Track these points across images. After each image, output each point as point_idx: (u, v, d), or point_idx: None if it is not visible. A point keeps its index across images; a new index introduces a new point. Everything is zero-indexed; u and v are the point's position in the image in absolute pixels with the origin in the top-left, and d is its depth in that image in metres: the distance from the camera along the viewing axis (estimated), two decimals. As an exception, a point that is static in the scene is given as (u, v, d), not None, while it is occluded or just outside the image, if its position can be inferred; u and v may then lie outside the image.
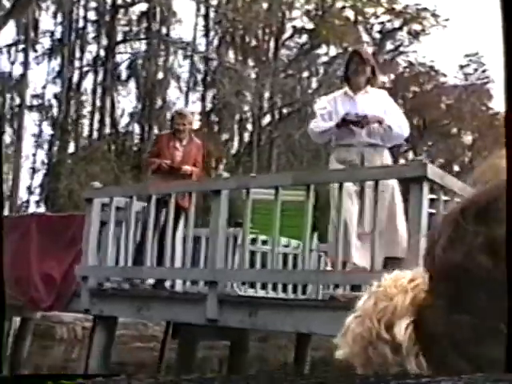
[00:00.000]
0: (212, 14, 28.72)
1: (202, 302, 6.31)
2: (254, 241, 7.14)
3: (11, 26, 27.08)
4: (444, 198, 5.49)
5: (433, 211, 5.61)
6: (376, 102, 6.14)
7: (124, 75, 30.53)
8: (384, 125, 5.96)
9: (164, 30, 29.62)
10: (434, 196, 5.63)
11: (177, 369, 8.63)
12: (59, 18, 27.58)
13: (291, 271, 6.52)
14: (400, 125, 6.09)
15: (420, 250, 5.11)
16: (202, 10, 29.17)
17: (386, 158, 6.09)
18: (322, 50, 30.43)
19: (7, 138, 27.76)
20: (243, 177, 7.00)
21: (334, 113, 6.12)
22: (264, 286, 6.87)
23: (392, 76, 32.21)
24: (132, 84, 30.40)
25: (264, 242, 7.07)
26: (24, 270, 8.99)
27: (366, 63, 6.19)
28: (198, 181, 7.27)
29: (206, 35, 29.18)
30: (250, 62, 30.69)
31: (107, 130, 30.31)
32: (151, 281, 7.38)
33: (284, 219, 6.23)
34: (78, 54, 29.99)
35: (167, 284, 7.36)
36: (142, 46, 30.17)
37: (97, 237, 7.44)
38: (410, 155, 30.60)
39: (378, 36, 31.45)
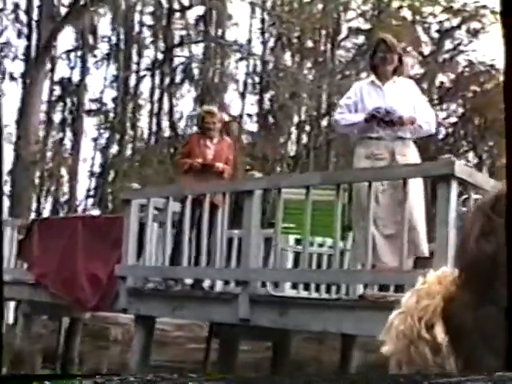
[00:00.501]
0: (267, 17, 28.75)
1: (235, 302, 6.33)
2: (298, 241, 7.10)
3: (70, 32, 27.73)
4: (475, 196, 5.38)
5: (465, 209, 5.52)
6: (405, 95, 6.02)
7: (180, 78, 30.85)
8: (415, 125, 5.87)
9: (220, 33, 29.79)
10: (466, 195, 5.54)
11: (219, 369, 8.68)
12: (116, 24, 27.98)
13: (320, 271, 6.47)
14: (429, 121, 6.00)
15: (448, 249, 5.03)
16: (258, 13, 29.24)
17: (414, 152, 5.97)
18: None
19: (67, 142, 28.39)
20: (274, 176, 6.94)
21: (359, 103, 6.04)
22: (295, 286, 6.84)
23: (452, 75, 31.69)
24: (188, 87, 30.68)
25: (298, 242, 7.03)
26: (70, 271, 9.16)
27: (392, 51, 6.09)
28: (230, 179, 7.29)
29: (262, 37, 29.23)
30: (307, 64, 30.63)
31: (166, 133, 30.69)
32: (189, 281, 7.43)
33: (317, 219, 6.20)
34: (135, 58, 30.45)
35: (206, 284, 7.39)
36: (198, 49, 30.43)
37: (136, 237, 7.52)
38: (471, 155, 30.12)
39: (436, 35, 30.97)
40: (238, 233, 7.67)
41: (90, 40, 28.52)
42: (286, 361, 9.01)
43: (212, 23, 30.21)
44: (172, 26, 30.31)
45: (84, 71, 28.54)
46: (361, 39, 30.01)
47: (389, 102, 5.95)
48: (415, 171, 5.40)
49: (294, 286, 6.85)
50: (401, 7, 29.73)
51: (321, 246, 7.17)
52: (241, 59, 30.28)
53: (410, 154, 5.88)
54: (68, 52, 27.65)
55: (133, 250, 7.45)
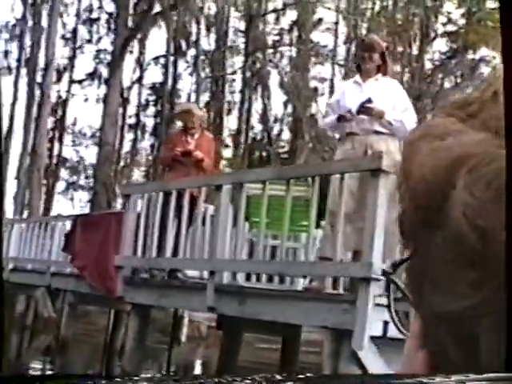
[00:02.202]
0: (353, 21, 28.76)
1: (204, 291, 6.65)
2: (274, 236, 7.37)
3: (163, 37, 28.78)
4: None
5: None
6: (385, 93, 6.06)
7: (272, 83, 31.32)
8: (383, 120, 5.93)
9: (307, 37, 30.03)
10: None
11: (220, 363, 8.88)
12: (203, 28, 28.73)
13: (273, 262, 6.66)
14: (402, 120, 5.95)
15: (374, 243, 5.16)
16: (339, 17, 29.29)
17: (391, 147, 5.96)
18: (470, 54, 29.56)
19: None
20: (237, 172, 7.22)
21: (341, 101, 6.13)
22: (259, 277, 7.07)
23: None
24: (278, 91, 31.11)
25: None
26: (104, 263, 9.70)
27: (373, 50, 6.15)
28: (211, 172, 7.61)
29: (348, 42, 29.27)
30: (395, 68, 30.40)
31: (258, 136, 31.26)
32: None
33: (275, 213, 6.44)
34: (228, 63, 31.16)
35: (193, 273, 7.71)
36: (287, 53, 30.79)
37: (133, 229, 7.97)
38: None
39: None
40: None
41: (182, 46, 29.49)
42: (295, 354, 9.15)
43: (303, 28, 30.48)
44: (263, 30, 30.86)
45: (176, 76, 29.48)
46: (450, 42, 29.49)
47: (366, 97, 6.01)
48: (348, 166, 5.53)
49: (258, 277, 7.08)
50: (493, 9, 29.01)
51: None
52: (332, 64, 30.46)
53: (385, 148, 5.92)
54: (157, 58, 28.65)
55: (129, 241, 7.89)
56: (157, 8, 21.18)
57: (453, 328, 0.47)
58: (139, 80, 27.94)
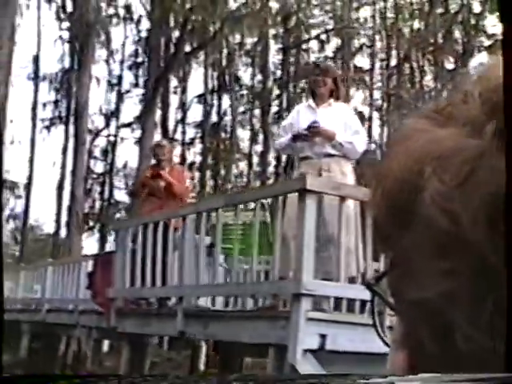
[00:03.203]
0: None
1: (175, 317, 6.96)
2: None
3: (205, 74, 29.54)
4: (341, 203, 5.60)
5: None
6: (337, 117, 6.26)
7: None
8: (334, 141, 6.15)
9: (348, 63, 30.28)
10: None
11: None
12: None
13: (221, 284, 6.91)
14: (353, 142, 6.16)
15: (303, 263, 5.36)
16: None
17: (345, 168, 6.20)
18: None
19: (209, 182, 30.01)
20: (197, 202, 7.56)
21: (295, 124, 6.34)
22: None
23: None
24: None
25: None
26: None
27: (326, 75, 6.37)
28: (184, 200, 7.97)
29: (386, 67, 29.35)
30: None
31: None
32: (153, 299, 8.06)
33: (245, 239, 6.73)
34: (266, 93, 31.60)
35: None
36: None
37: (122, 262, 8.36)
38: None
39: None
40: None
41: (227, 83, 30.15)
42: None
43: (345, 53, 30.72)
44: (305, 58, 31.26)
45: (220, 112, 30.12)
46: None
47: (320, 122, 6.25)
48: (270, 191, 5.80)
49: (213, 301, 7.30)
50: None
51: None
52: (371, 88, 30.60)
53: (337, 170, 6.15)
54: (201, 96, 29.37)
55: (119, 274, 8.29)
56: (187, 48, 21.85)
57: (429, 320, 0.46)
58: (183, 119, 28.67)
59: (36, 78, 28.17)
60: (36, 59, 28.32)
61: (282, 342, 5.56)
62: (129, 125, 28.75)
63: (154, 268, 7.56)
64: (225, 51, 29.54)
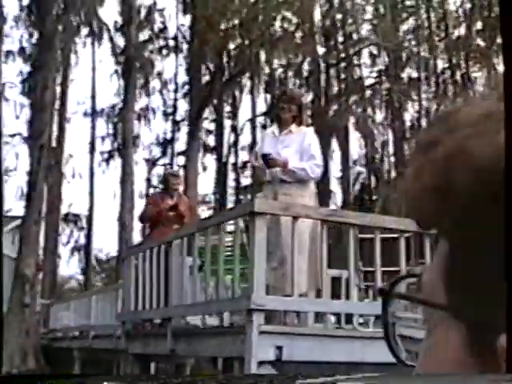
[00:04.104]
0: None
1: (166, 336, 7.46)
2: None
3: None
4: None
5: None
6: (295, 143, 6.72)
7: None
8: (286, 170, 6.60)
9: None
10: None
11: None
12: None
13: (198, 303, 7.31)
14: (306, 168, 6.58)
15: (254, 283, 5.76)
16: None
17: (305, 192, 6.63)
18: None
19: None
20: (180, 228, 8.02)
21: (260, 150, 6.81)
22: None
23: None
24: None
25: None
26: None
27: (292, 102, 6.81)
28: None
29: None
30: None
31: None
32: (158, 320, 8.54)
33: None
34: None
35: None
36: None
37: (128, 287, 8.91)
38: None
39: None
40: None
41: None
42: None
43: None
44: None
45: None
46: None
47: (280, 148, 6.75)
48: (227, 215, 6.24)
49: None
50: None
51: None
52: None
53: (297, 194, 6.60)
54: (252, 119, 29.98)
55: (127, 298, 8.84)
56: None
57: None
58: (235, 144, 29.32)
59: (93, 113, 29.37)
60: (92, 95, 29.57)
61: (242, 354, 5.95)
62: (183, 153, 29.61)
63: (153, 291, 8.08)
64: (275, 73, 30.14)
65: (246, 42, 21.82)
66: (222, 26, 21.27)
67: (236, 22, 21.90)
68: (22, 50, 23.20)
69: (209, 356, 7.01)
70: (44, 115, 17.71)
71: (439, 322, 0.56)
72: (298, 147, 6.67)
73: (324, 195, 30.26)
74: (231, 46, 21.65)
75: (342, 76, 30.75)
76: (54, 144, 27.88)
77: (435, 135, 0.58)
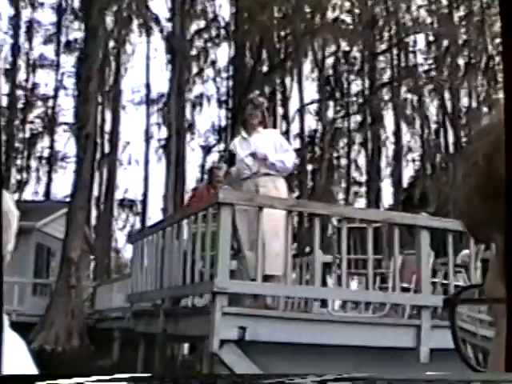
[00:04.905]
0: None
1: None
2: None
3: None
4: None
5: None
6: (267, 141, 7.32)
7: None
8: (268, 162, 7.08)
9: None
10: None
11: None
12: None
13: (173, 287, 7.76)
14: (284, 160, 7.16)
15: (218, 266, 6.19)
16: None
17: (279, 185, 7.19)
18: None
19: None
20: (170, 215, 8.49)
21: (236, 155, 7.40)
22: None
23: None
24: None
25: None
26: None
27: (258, 108, 7.44)
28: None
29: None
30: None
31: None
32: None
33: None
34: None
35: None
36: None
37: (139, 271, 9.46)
38: None
39: None
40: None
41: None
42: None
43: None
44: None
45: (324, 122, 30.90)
46: None
47: (253, 148, 7.27)
48: (206, 203, 6.73)
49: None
50: None
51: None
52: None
53: (272, 186, 7.12)
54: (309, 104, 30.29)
55: (134, 280, 9.40)
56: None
57: None
58: (286, 132, 29.68)
59: (147, 100, 30.14)
60: (147, 83, 30.32)
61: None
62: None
63: (152, 274, 8.62)
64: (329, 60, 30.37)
65: (298, 27, 22.11)
66: (269, 13, 21.64)
67: (284, 8, 22.25)
68: (68, 43, 24.06)
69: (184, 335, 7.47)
70: (88, 106, 18.45)
71: (502, 319, 0.58)
72: (270, 144, 7.16)
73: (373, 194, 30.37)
74: (278, 33, 21.97)
75: (395, 63, 30.74)
76: (107, 132, 28.84)
77: (477, 145, 0.63)
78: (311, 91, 31.15)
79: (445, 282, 8.85)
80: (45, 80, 31.79)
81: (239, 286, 6.35)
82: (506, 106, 0.55)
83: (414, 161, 32.88)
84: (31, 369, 1.28)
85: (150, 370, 9.20)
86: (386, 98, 31.45)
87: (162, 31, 26.84)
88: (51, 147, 30.62)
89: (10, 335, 1.24)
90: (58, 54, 29.46)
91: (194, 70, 29.04)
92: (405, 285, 8.41)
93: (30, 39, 30.19)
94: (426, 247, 7.08)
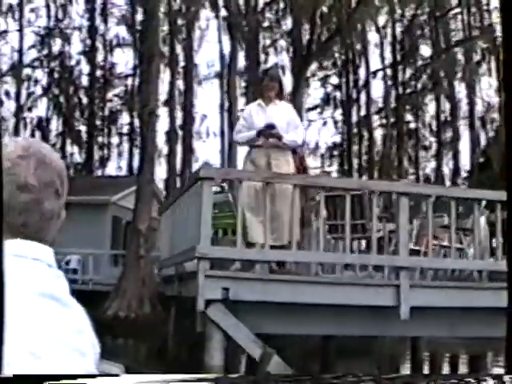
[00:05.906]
0: None
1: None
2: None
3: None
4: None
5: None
6: (282, 114, 7.73)
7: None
8: (281, 142, 7.56)
9: None
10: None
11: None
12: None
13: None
14: (295, 138, 7.62)
15: (201, 233, 6.86)
16: None
17: (288, 158, 7.68)
18: None
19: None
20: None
21: (251, 124, 7.76)
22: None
23: None
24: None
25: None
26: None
27: (275, 80, 7.84)
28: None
29: None
30: None
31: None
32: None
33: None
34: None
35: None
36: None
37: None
38: None
39: None
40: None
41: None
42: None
43: None
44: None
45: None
46: None
47: (269, 119, 7.73)
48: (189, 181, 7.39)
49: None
50: None
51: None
52: None
53: (282, 159, 7.60)
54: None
55: (163, 247, 10.22)
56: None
57: None
58: (357, 100, 29.89)
59: (221, 74, 30.84)
60: (221, 56, 30.96)
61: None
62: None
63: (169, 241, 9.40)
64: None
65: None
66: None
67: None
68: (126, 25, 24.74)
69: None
70: (150, 85, 19.33)
71: None
72: (284, 118, 7.63)
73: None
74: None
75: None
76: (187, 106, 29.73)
77: None
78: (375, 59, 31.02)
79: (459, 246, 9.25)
80: (124, 59, 32.99)
81: (220, 251, 7.02)
82: (506, 106, 0.54)
83: (492, 122, 32.39)
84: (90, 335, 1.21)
85: (181, 329, 9.93)
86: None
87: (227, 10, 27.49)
88: (131, 123, 31.91)
89: (73, 304, 1.19)
90: (133, 34, 30.55)
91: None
92: (416, 247, 8.80)
93: (105, 21, 31.52)
94: (405, 213, 7.36)
